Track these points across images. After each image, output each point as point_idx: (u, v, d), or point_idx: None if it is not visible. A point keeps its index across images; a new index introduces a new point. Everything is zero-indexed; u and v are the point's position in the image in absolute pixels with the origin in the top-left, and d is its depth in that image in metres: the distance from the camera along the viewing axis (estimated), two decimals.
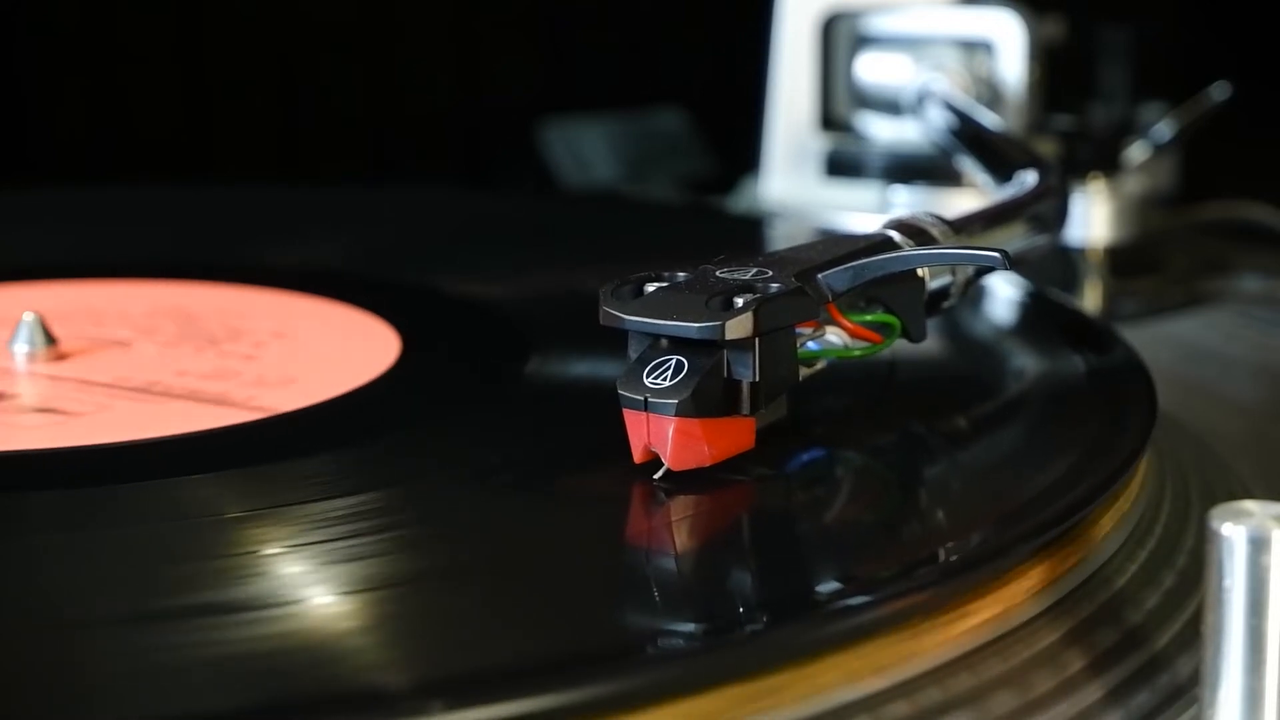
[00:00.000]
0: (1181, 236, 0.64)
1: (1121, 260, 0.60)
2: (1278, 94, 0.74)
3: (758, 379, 0.32)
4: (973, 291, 0.39)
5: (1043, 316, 0.46)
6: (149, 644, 0.26)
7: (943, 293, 0.36)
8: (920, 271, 0.35)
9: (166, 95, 0.83)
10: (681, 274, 0.33)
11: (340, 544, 0.30)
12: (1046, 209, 0.42)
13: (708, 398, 0.31)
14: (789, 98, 0.66)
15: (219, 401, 0.38)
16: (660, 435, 0.31)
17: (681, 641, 0.27)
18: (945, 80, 0.59)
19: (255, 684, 0.25)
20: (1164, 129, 0.61)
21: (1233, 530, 0.26)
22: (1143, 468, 0.36)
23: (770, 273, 0.33)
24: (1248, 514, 0.26)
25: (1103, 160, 0.60)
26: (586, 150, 0.74)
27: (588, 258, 0.50)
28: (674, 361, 0.32)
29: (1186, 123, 0.61)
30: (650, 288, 0.33)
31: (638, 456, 0.32)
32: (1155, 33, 0.66)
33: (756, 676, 0.27)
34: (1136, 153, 0.61)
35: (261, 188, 0.66)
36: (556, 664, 0.26)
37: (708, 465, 0.32)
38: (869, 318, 0.34)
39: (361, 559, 0.30)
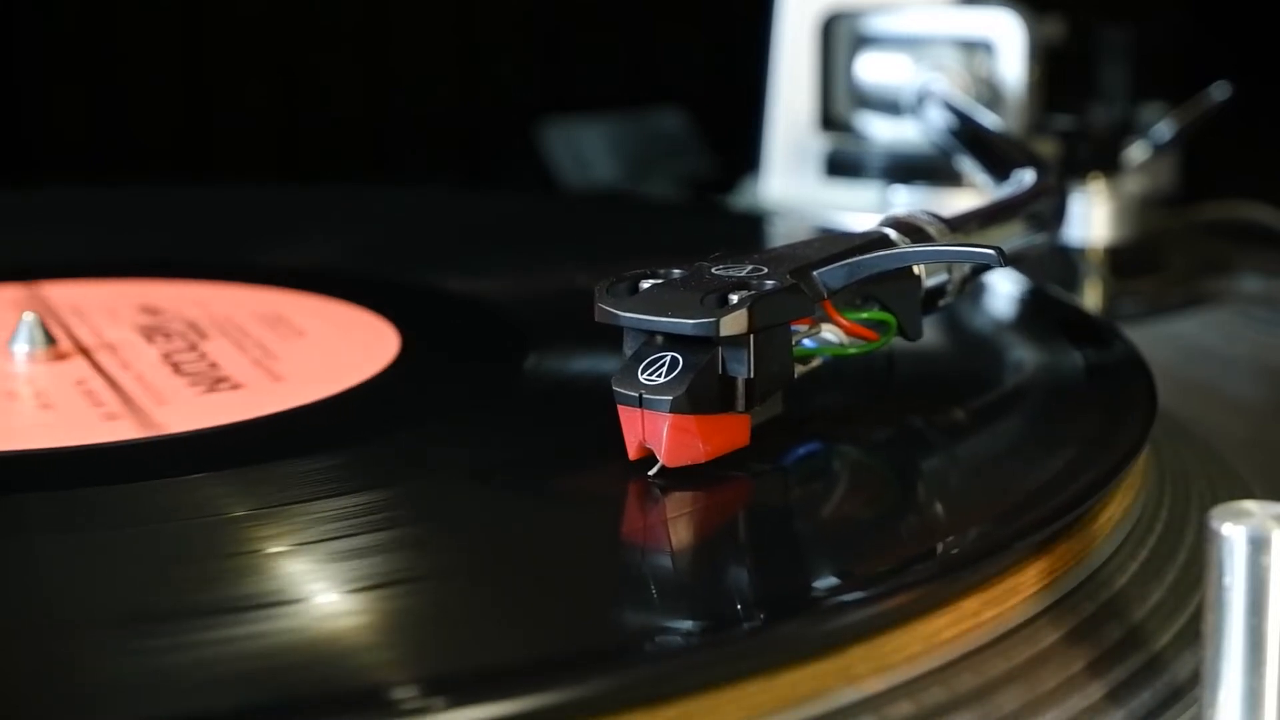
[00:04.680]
0: (1181, 236, 0.64)
1: (1121, 260, 0.60)
2: (1278, 94, 0.74)
3: (753, 376, 0.32)
4: (971, 289, 0.39)
5: (1043, 313, 0.46)
6: (149, 644, 0.26)
7: (939, 290, 0.36)
8: (916, 269, 0.35)
9: (166, 95, 0.83)
10: (677, 271, 0.33)
11: (339, 542, 0.30)
12: (1044, 207, 0.42)
13: (703, 394, 0.31)
14: (789, 98, 0.66)
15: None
16: (655, 432, 0.31)
17: (680, 639, 0.27)
18: (945, 80, 0.59)
19: (254, 684, 0.25)
20: (1164, 129, 0.61)
21: (1233, 530, 0.26)
22: (1143, 466, 0.36)
23: (765, 270, 0.33)
24: (1248, 514, 0.26)
25: (1103, 160, 0.60)
26: (586, 150, 0.74)
27: (588, 258, 0.50)
28: (669, 358, 0.32)
29: (1186, 123, 0.61)
30: (645, 284, 0.33)
31: (633, 453, 0.32)
32: (1155, 33, 0.66)
33: (756, 674, 0.27)
34: (1136, 153, 0.61)
35: (261, 188, 0.66)
36: (555, 662, 0.26)
37: (703, 462, 0.32)
38: (865, 315, 0.34)
39: (360, 557, 0.29)
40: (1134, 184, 0.61)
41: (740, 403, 0.32)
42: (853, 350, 0.35)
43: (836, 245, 0.34)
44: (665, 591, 0.29)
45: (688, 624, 0.28)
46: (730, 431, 0.32)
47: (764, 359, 0.32)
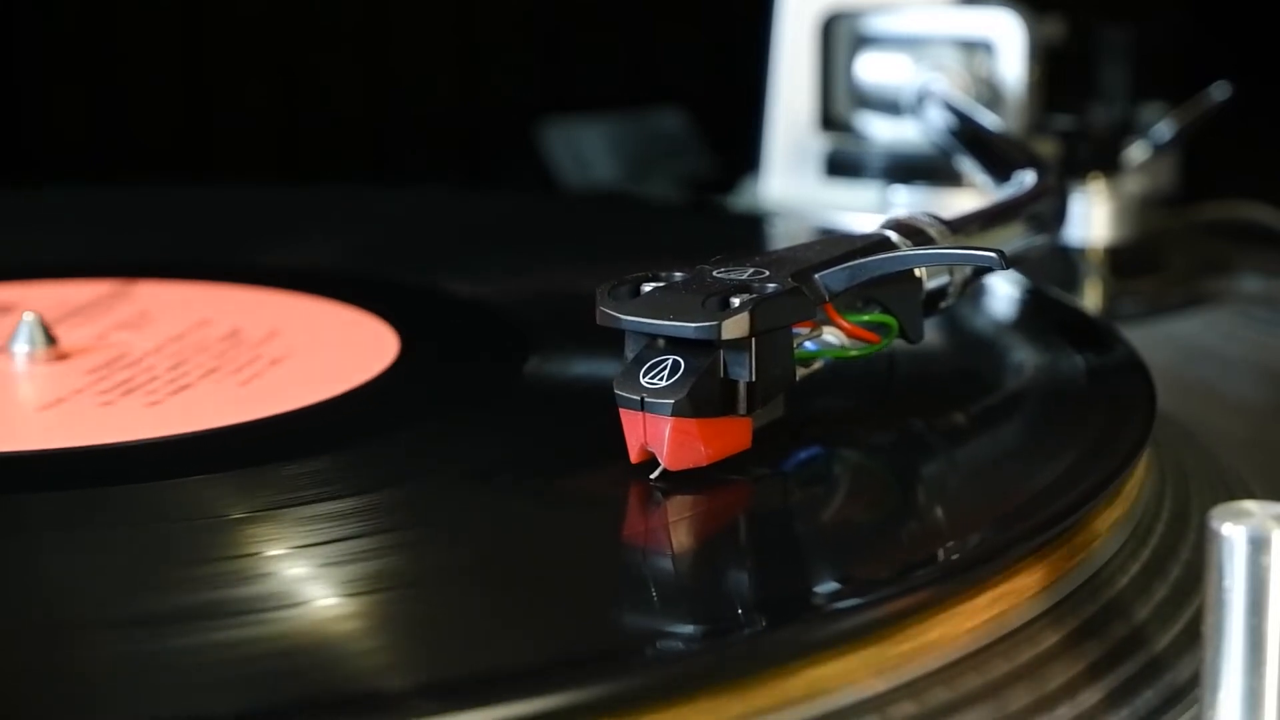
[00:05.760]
0: (1181, 236, 0.64)
1: (1121, 260, 0.60)
2: (1278, 94, 0.74)
3: (754, 379, 0.32)
4: (972, 291, 0.39)
5: (1043, 315, 0.46)
6: (149, 645, 0.26)
7: (940, 293, 0.36)
8: (918, 272, 0.35)
9: (166, 95, 0.83)
10: (678, 274, 0.33)
11: (339, 545, 0.30)
12: (1044, 209, 0.42)
13: (704, 398, 0.31)
14: (789, 98, 0.66)
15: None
16: (656, 435, 0.31)
17: (681, 643, 0.27)
18: (945, 80, 0.59)
19: (254, 685, 0.25)
20: (1164, 129, 0.61)
21: (1233, 530, 0.26)
22: (1143, 467, 0.36)
23: (767, 273, 0.33)
24: (1248, 514, 0.26)
25: (1103, 160, 0.60)
26: (586, 150, 0.74)
27: (588, 258, 0.50)
28: (670, 361, 0.32)
29: (1186, 123, 0.61)
30: (647, 287, 0.33)
31: (634, 456, 0.32)
32: (1155, 33, 0.66)
33: (757, 677, 0.27)
34: (1136, 153, 0.61)
35: (261, 188, 0.66)
36: (555, 665, 0.26)
37: (704, 465, 0.32)
38: (866, 318, 0.34)
39: (360, 560, 0.30)
40: (1134, 184, 0.60)
41: (742, 406, 0.32)
42: (854, 353, 0.35)
43: (838, 248, 0.34)
44: (666, 595, 0.29)
45: (689, 627, 0.28)
46: (732, 435, 0.32)
47: (765, 362, 0.32)
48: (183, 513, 0.32)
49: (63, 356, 0.41)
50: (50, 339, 0.41)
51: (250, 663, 0.26)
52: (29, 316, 0.41)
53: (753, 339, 0.31)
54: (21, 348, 0.40)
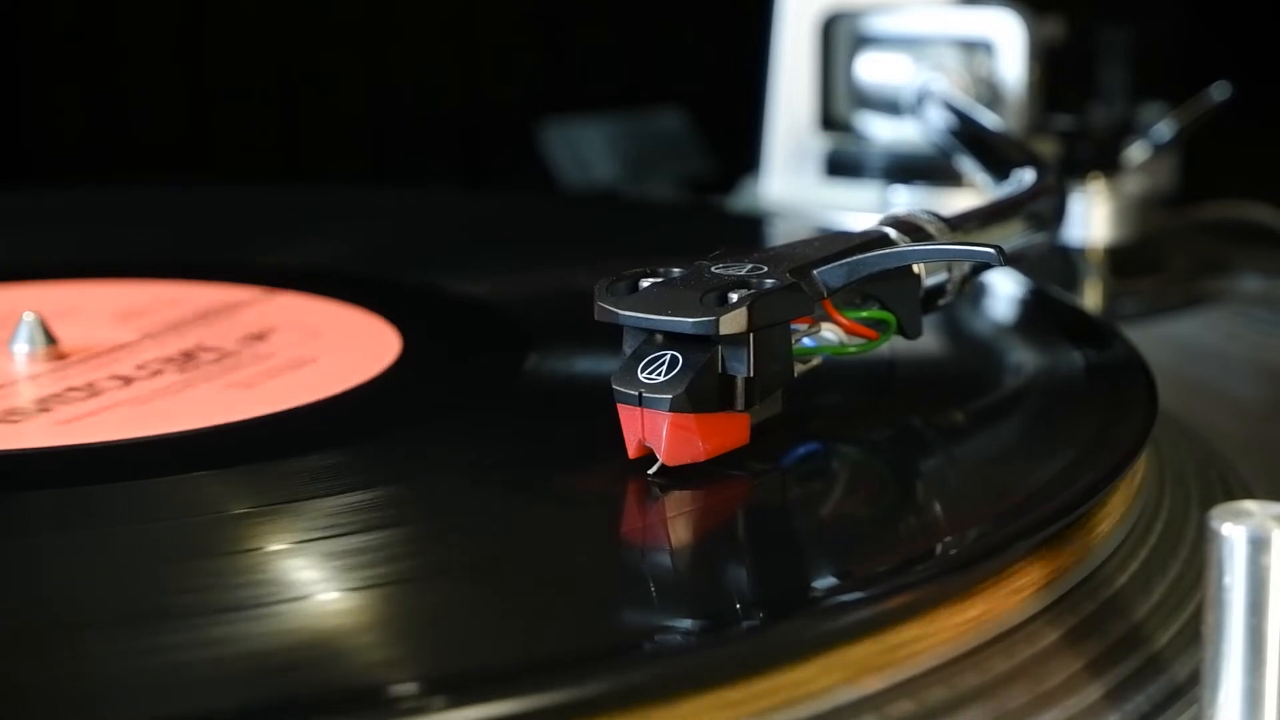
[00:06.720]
0: (1181, 236, 0.64)
1: (1121, 260, 0.60)
2: (1278, 94, 0.74)
3: (752, 374, 0.32)
4: (971, 289, 0.39)
5: (1043, 313, 0.46)
6: (150, 644, 0.27)
7: (939, 290, 0.36)
8: (916, 268, 0.35)
9: (166, 95, 0.83)
10: (676, 269, 0.33)
11: (340, 541, 0.30)
12: (1043, 207, 0.42)
13: (702, 393, 0.31)
14: (789, 98, 0.66)
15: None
16: (655, 430, 0.31)
17: (680, 639, 0.27)
18: (945, 80, 0.59)
19: (254, 683, 0.25)
20: (1164, 129, 0.61)
21: (1233, 530, 0.26)
22: (1143, 466, 0.36)
23: (765, 268, 0.33)
24: (1248, 514, 0.26)
25: (1103, 160, 0.60)
26: (586, 150, 0.74)
27: (588, 258, 0.50)
28: (669, 357, 0.32)
29: (1186, 123, 0.61)
30: (645, 283, 0.33)
31: (632, 452, 0.32)
32: (1155, 33, 0.66)
33: (755, 674, 0.27)
34: (1136, 153, 0.61)
35: (261, 188, 0.66)
36: (555, 662, 0.26)
37: (702, 460, 0.32)
38: (865, 314, 0.34)
39: (360, 556, 0.30)
40: (1134, 184, 0.61)
41: (740, 401, 0.32)
42: (852, 349, 0.35)
43: (836, 244, 0.34)
44: (665, 591, 0.29)
45: (687, 623, 0.28)
46: (730, 430, 0.32)
47: (764, 358, 0.32)
48: (182, 510, 0.32)
49: (62, 356, 0.41)
50: (50, 339, 0.41)
51: (250, 659, 0.26)
52: (29, 316, 0.41)
53: (751, 334, 0.31)
54: (21, 348, 0.40)
